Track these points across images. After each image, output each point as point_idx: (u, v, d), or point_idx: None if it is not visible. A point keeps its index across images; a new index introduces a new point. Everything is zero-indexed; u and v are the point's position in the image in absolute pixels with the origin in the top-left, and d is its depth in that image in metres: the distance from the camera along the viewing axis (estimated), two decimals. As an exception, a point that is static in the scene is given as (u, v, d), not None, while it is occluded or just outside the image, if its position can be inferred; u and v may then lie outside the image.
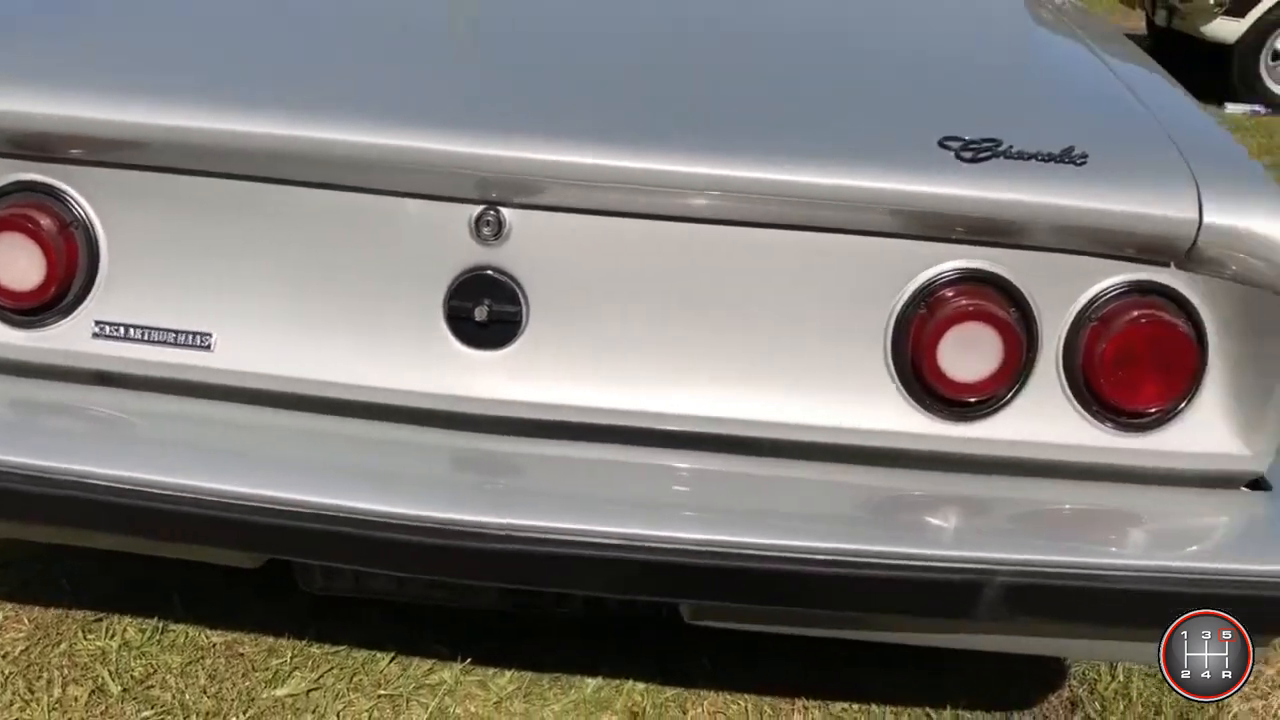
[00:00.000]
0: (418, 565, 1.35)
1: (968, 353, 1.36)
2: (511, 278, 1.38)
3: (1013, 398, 1.40)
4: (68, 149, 1.41)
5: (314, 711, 1.92)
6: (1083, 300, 1.38)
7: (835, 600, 1.32)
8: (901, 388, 1.40)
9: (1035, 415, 1.40)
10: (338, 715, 1.92)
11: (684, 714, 1.99)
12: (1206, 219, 1.32)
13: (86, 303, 1.45)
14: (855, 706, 2.01)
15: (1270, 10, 6.96)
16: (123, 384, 1.45)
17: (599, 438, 1.41)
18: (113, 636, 2.04)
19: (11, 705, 1.88)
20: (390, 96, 1.43)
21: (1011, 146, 1.35)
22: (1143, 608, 1.31)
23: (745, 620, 1.45)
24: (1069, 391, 1.41)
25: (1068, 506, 1.41)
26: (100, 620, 2.07)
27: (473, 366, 1.40)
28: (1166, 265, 1.37)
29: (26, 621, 2.07)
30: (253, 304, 1.43)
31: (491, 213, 1.36)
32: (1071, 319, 1.39)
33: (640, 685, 2.02)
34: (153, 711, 1.89)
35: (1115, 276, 1.38)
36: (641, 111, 1.46)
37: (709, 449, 1.41)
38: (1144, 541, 1.39)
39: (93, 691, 1.92)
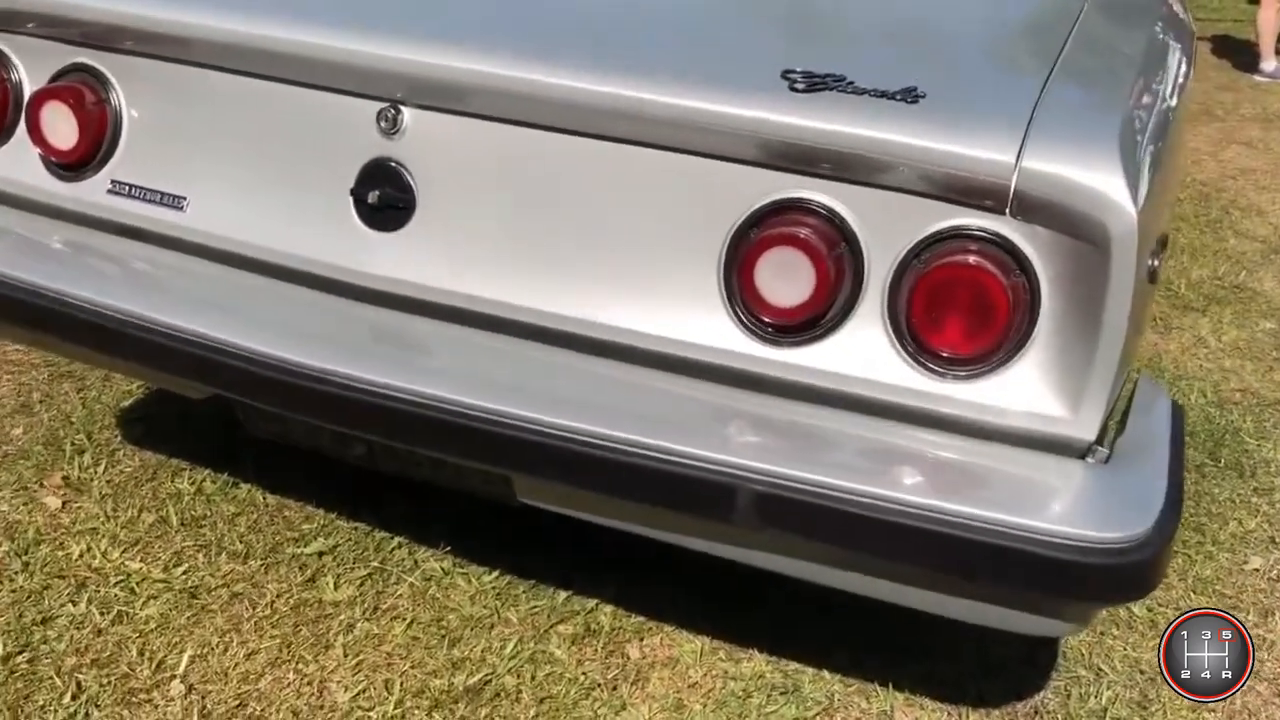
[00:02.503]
0: (295, 405, 1.56)
1: (788, 280, 1.40)
2: (406, 169, 1.57)
3: (834, 329, 1.42)
4: (112, 39, 1.74)
5: (317, 569, 2.18)
6: (913, 241, 1.38)
7: (618, 485, 1.41)
8: (729, 308, 1.46)
9: (854, 349, 1.41)
10: (335, 576, 2.17)
11: (639, 640, 2.08)
12: (1024, 163, 1.29)
13: (109, 165, 1.78)
14: (809, 670, 2.03)
15: None
16: (127, 234, 1.76)
17: (460, 320, 1.57)
18: (193, 484, 2.40)
19: (96, 517, 2.28)
20: (324, 6, 1.67)
21: (852, 83, 1.38)
22: (891, 540, 1.29)
23: (565, 504, 1.55)
24: (890, 330, 1.41)
25: (858, 437, 1.41)
26: (187, 469, 2.44)
27: (371, 245, 1.60)
28: (1001, 213, 1.34)
29: (136, 460, 2.47)
30: (217, 177, 1.70)
31: (392, 110, 1.55)
32: (900, 258, 1.39)
33: (608, 607, 2.14)
34: (194, 543, 2.22)
35: (948, 220, 1.36)
36: (524, 30, 1.60)
37: (551, 342, 1.54)
38: (922, 482, 1.35)
39: (158, 519, 2.29)
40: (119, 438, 2.55)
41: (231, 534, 2.26)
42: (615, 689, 1.97)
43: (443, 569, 2.20)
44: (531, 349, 1.54)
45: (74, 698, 1.86)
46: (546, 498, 1.56)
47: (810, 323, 1.42)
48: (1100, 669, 2.06)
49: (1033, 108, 1.34)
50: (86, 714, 1.84)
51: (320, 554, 2.22)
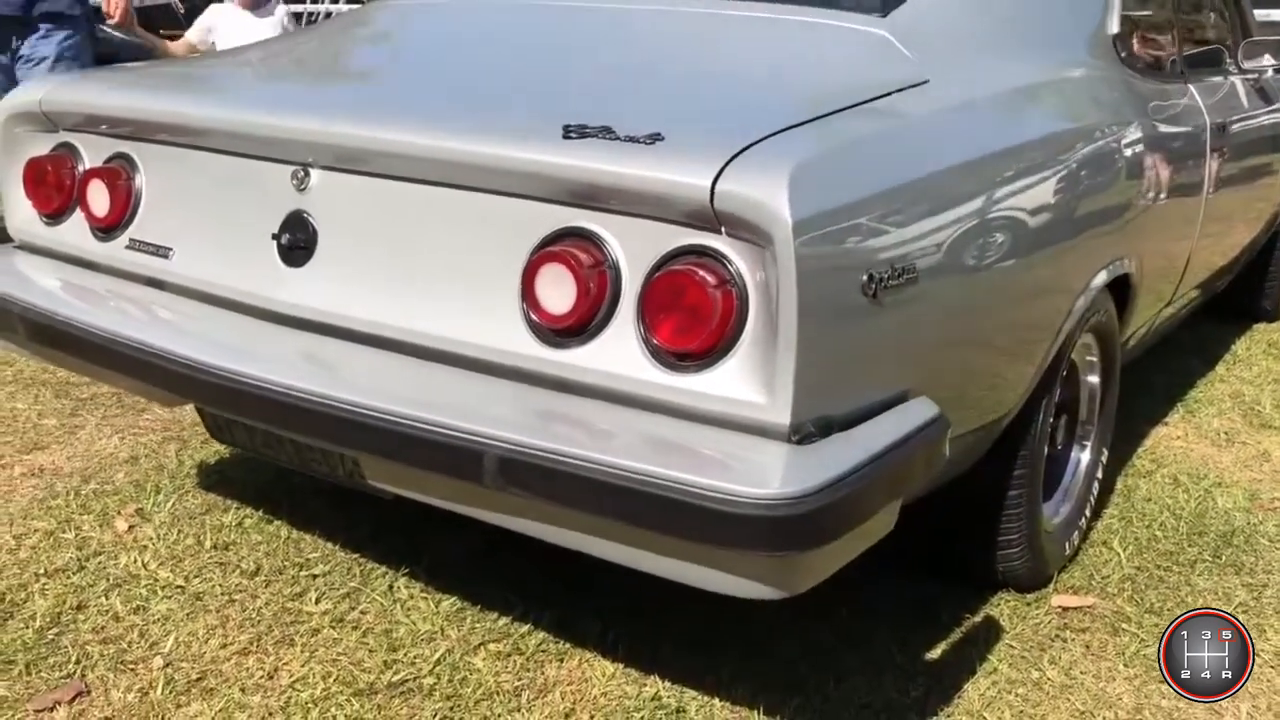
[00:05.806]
0: (210, 399, 1.96)
1: (558, 292, 1.69)
2: (311, 217, 1.98)
3: (598, 333, 1.69)
4: (145, 132, 2.27)
5: (307, 586, 2.54)
6: (655, 258, 1.64)
7: (414, 457, 1.71)
8: (525, 318, 1.76)
9: (613, 349, 1.67)
10: (319, 592, 2.52)
11: (559, 661, 2.31)
12: (720, 186, 1.54)
13: (130, 228, 2.28)
14: (702, 697, 2.20)
15: None
16: (137, 280, 2.25)
17: (338, 335, 1.94)
18: (236, 519, 2.83)
19: (150, 538, 2.73)
20: (251, 95, 2.15)
21: (613, 131, 1.68)
22: (609, 497, 1.52)
23: (407, 486, 1.86)
24: (639, 333, 1.66)
25: (594, 418, 1.65)
26: (235, 508, 2.88)
27: (284, 279, 2.01)
28: (718, 231, 1.59)
29: (199, 499, 2.93)
30: (192, 231, 2.17)
31: (302, 170, 1.98)
32: (646, 272, 1.65)
33: (541, 633, 2.38)
34: (216, 561, 2.63)
35: (681, 240, 1.62)
36: (386, 106, 2.02)
37: (400, 351, 1.88)
38: (631, 447, 1.57)
39: (195, 542, 2.72)
40: (193, 483, 3.02)
41: (250, 557, 2.65)
42: (518, 695, 2.19)
43: (410, 594, 2.51)
44: (382, 356, 1.89)
45: (77, 662, 2.27)
46: (388, 479, 1.87)
47: (579, 328, 1.70)
48: None
49: (746, 146, 1.59)
50: (83, 673, 2.23)
51: (315, 575, 2.58)
